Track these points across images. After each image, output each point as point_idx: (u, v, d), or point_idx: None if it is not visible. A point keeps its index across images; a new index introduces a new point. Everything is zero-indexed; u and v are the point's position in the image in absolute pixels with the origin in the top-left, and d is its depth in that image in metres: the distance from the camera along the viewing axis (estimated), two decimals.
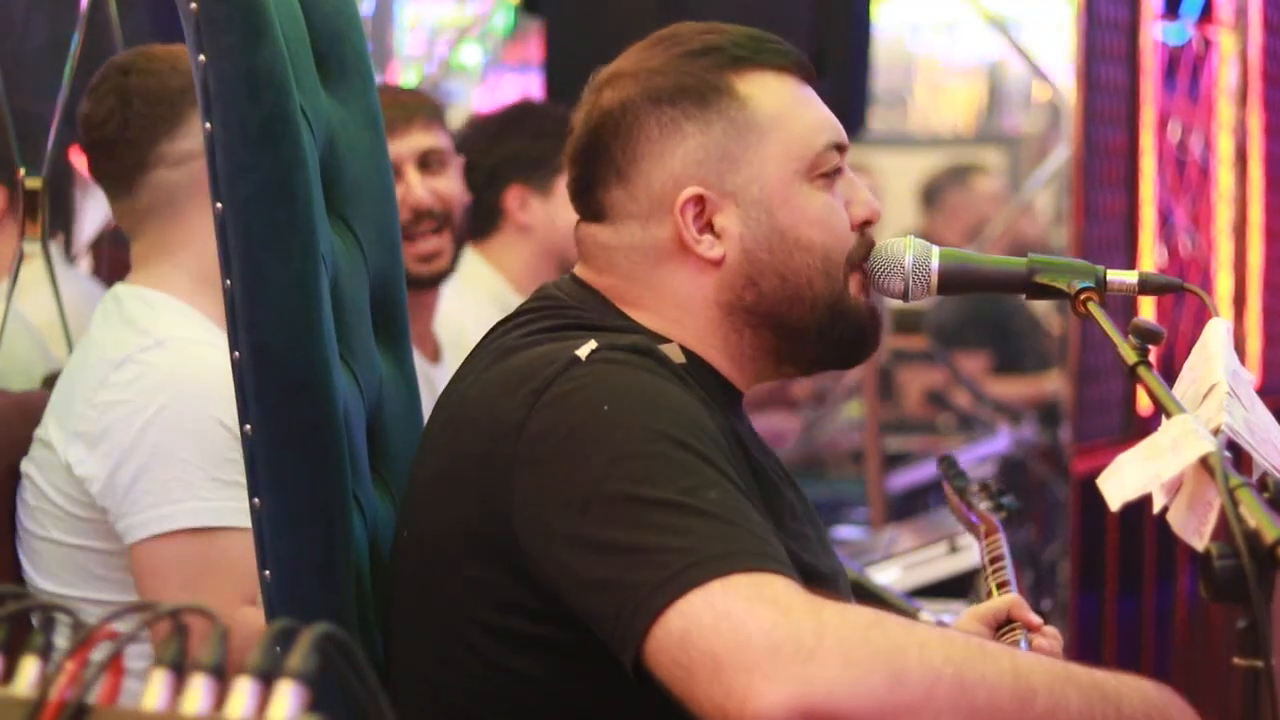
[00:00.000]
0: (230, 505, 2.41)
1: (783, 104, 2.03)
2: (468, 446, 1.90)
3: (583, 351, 1.88)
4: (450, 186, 3.34)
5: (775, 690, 1.63)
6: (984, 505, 2.71)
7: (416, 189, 3.28)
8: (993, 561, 2.50)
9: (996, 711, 1.69)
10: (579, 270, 2.08)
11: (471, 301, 3.63)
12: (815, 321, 2.02)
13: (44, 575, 2.51)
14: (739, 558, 1.71)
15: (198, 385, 2.44)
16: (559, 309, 2.03)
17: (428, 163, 3.32)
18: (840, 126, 2.07)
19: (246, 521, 2.39)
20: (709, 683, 1.66)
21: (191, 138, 2.57)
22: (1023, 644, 2.18)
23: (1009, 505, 2.71)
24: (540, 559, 1.81)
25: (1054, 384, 6.07)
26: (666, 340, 1.99)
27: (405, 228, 3.22)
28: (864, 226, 2.06)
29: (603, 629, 1.76)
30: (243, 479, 2.39)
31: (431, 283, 3.35)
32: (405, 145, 3.26)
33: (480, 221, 3.66)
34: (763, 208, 2.00)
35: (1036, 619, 2.28)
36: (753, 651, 1.64)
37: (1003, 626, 2.26)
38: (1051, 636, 2.25)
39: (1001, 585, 2.40)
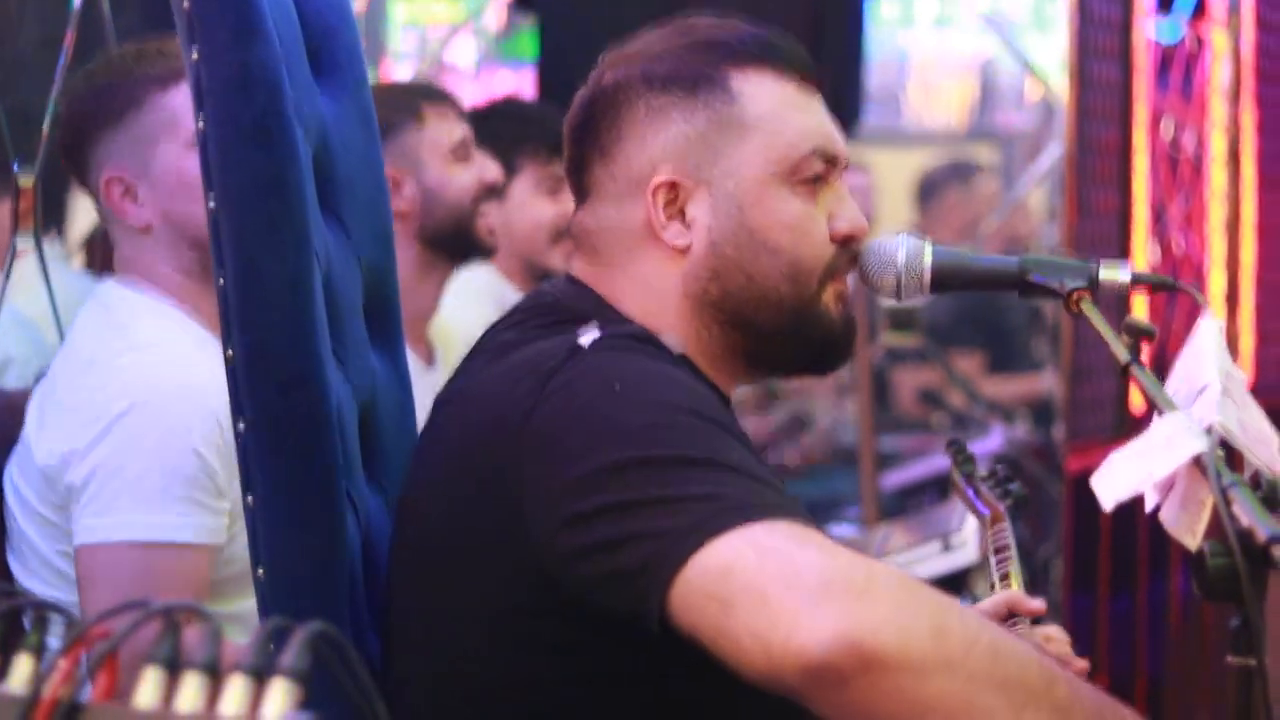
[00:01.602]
0: (180, 521, 2.39)
1: (774, 105, 2.02)
2: (472, 444, 1.90)
3: (585, 340, 1.88)
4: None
5: (824, 622, 1.62)
6: (991, 492, 2.68)
7: (493, 167, 3.47)
8: (997, 552, 2.48)
9: (1024, 684, 1.68)
10: (573, 269, 2.09)
11: (467, 293, 3.66)
12: (781, 326, 2.01)
13: (30, 577, 2.51)
14: (774, 509, 1.70)
15: (164, 396, 2.42)
16: (554, 306, 2.03)
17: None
18: (835, 137, 2.05)
19: (194, 538, 2.40)
20: (752, 613, 1.64)
21: (95, 169, 2.58)
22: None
23: (1016, 492, 2.68)
24: (551, 546, 1.79)
25: (1047, 382, 6.07)
26: (656, 335, 1.99)
27: (474, 204, 3.41)
28: (847, 241, 2.05)
29: (624, 587, 1.73)
30: (199, 495, 2.40)
31: (491, 253, 3.53)
32: (468, 129, 3.45)
33: None
34: (735, 203, 2.00)
35: (1038, 605, 2.28)
36: (804, 584, 1.63)
37: (1004, 622, 2.26)
38: (1059, 640, 2.25)
39: (1005, 578, 2.39)
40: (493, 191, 3.46)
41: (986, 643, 1.68)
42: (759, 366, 2.09)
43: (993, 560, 2.47)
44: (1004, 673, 1.67)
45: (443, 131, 3.39)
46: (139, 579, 2.38)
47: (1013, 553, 2.47)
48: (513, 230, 3.81)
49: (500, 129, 3.80)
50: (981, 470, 2.76)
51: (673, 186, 2.00)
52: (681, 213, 2.00)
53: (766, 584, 1.64)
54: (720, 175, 2.00)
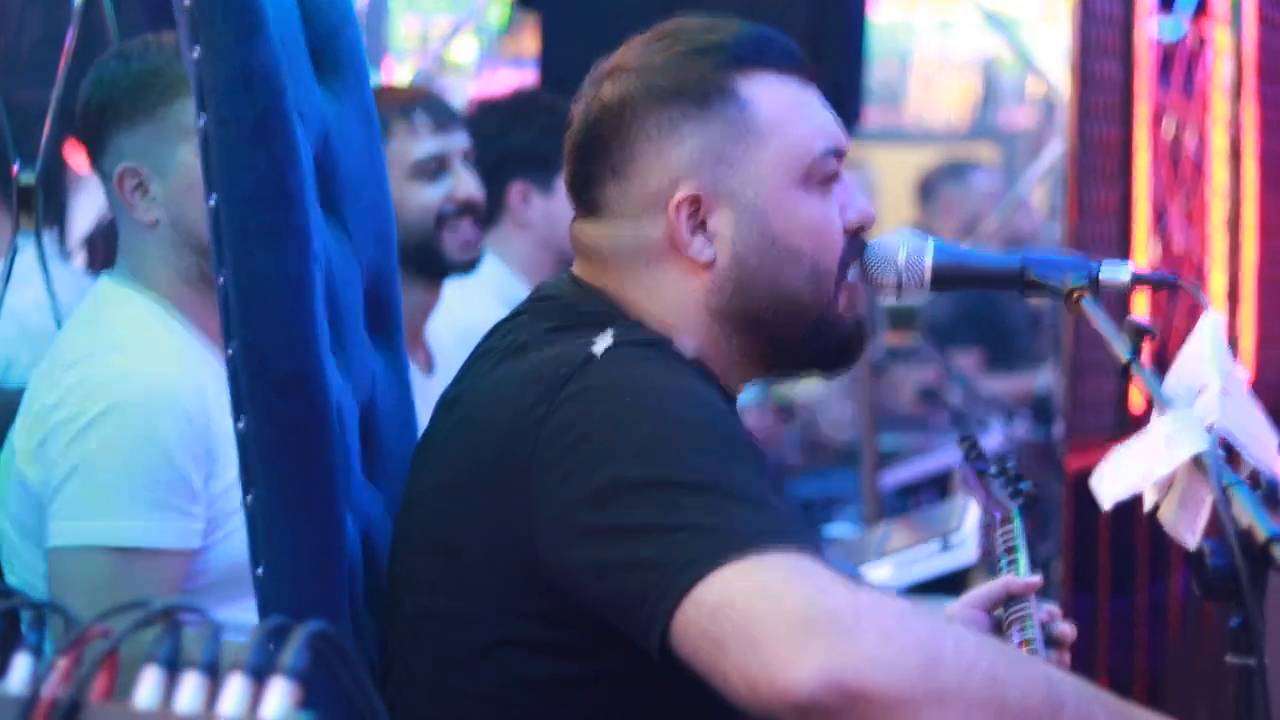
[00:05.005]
0: (151, 526, 2.38)
1: (783, 107, 2.01)
2: (482, 447, 1.89)
3: (598, 347, 1.87)
4: (479, 183, 3.49)
5: (809, 662, 1.61)
6: (1002, 490, 2.67)
7: (469, 182, 3.43)
8: (1007, 553, 2.48)
9: (1027, 712, 1.67)
10: (576, 269, 2.07)
11: (476, 293, 3.64)
12: (802, 331, 2.01)
13: (16, 580, 2.50)
14: (773, 536, 1.70)
15: (140, 398, 2.40)
16: (563, 306, 2.02)
17: (467, 160, 3.46)
18: (840, 131, 2.05)
19: (167, 543, 2.38)
20: (742, 653, 1.64)
21: (111, 156, 2.57)
22: (1033, 624, 2.20)
23: (1026, 490, 2.68)
24: (559, 556, 1.80)
25: (1045, 379, 6.06)
26: (670, 340, 1.98)
27: (448, 219, 3.39)
28: (857, 231, 2.04)
29: (628, 612, 1.73)
30: (172, 499, 2.38)
31: (469, 268, 3.48)
32: (454, 142, 3.41)
33: None
34: (756, 212, 1.98)
35: (1033, 580, 2.28)
36: (789, 623, 1.63)
37: (999, 607, 2.27)
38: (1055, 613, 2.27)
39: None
40: (468, 208, 3.41)
41: (984, 670, 1.66)
42: (775, 369, 2.09)
43: (1004, 562, 2.47)
44: (1003, 700, 1.66)
45: (406, 148, 3.33)
46: (112, 584, 2.36)
47: (1020, 554, 2.47)
48: (555, 221, 3.76)
49: (550, 121, 3.77)
50: (993, 467, 2.76)
51: (694, 201, 1.98)
52: (703, 226, 1.99)
53: (754, 624, 1.64)
54: (740, 185, 1.98)
